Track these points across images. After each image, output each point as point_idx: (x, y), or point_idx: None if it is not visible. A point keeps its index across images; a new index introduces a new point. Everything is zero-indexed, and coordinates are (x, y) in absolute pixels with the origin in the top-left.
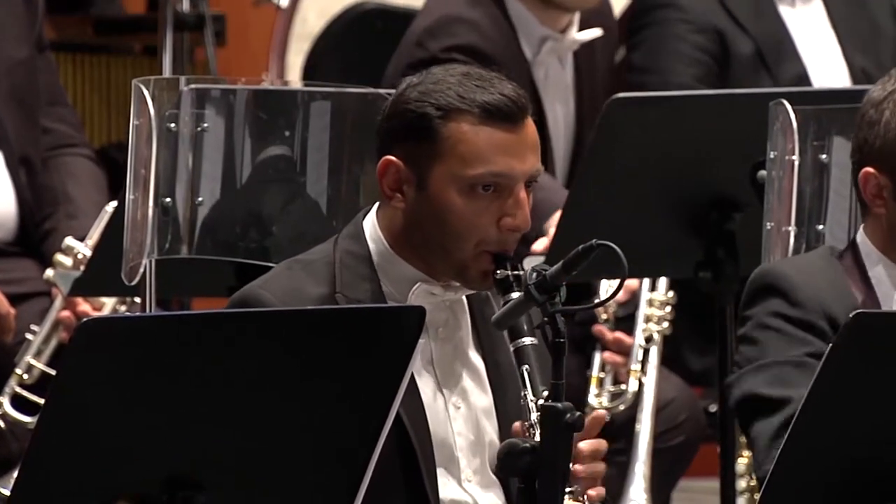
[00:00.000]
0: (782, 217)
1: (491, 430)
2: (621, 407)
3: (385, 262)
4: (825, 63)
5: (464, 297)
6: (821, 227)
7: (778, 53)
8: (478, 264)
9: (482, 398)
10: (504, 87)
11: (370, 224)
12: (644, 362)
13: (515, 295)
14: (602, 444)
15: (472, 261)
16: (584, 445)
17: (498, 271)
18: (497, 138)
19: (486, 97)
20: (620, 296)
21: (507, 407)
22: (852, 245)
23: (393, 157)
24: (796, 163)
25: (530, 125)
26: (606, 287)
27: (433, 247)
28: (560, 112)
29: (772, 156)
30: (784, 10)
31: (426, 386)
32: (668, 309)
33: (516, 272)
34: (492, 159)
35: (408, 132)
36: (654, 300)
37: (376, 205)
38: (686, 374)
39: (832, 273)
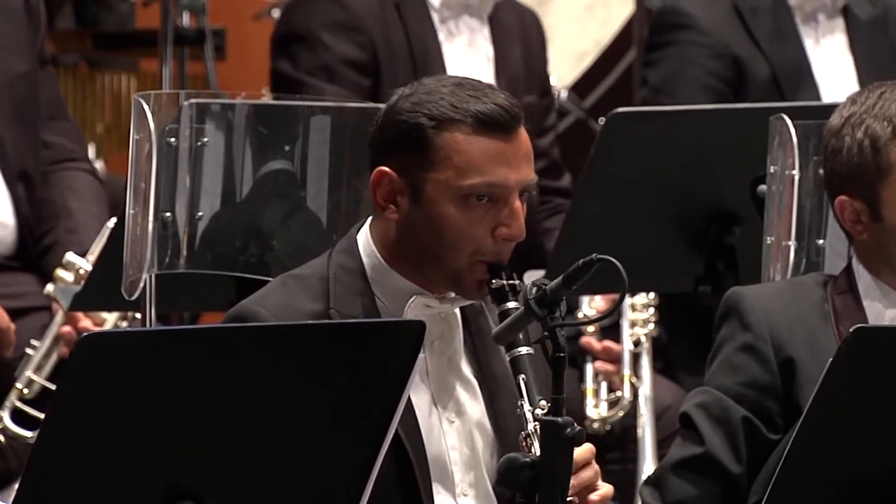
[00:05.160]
0: (782, 231)
1: (483, 443)
2: (620, 413)
3: (379, 275)
4: (842, 94)
5: (457, 309)
6: (821, 241)
7: (795, 81)
8: (473, 274)
9: (476, 410)
10: (497, 97)
11: (363, 238)
12: (636, 366)
13: (511, 304)
14: (588, 448)
15: (467, 270)
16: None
17: (493, 281)
18: (491, 148)
19: (479, 107)
20: (602, 305)
21: (503, 417)
22: (847, 269)
23: (386, 168)
24: (796, 177)
25: (523, 134)
26: (587, 301)
27: (428, 257)
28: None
29: (772, 170)
30: (807, 38)
31: (421, 401)
32: (651, 311)
33: (512, 282)
34: (486, 169)
35: (401, 143)
36: (636, 304)
37: (369, 219)
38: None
39: (806, 300)
